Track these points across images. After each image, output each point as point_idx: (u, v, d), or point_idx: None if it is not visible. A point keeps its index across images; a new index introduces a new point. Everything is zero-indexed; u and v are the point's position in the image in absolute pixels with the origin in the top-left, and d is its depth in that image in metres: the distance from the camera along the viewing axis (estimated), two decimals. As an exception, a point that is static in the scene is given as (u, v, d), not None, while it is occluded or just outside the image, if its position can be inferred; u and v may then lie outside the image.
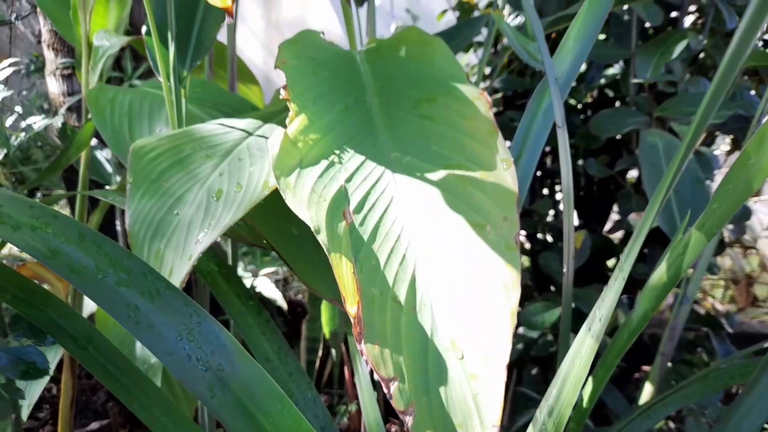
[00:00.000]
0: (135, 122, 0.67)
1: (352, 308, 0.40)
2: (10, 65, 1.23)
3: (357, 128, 0.51)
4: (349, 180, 0.47)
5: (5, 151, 1.05)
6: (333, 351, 1.27)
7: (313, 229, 0.43)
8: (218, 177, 0.50)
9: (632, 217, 1.02)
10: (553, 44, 0.81)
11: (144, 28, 0.60)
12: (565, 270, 0.57)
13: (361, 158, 0.49)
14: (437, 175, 0.47)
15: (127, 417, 1.16)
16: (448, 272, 0.43)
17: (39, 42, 3.68)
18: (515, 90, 1.27)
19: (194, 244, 0.46)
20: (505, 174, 0.46)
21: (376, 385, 0.84)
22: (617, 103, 1.21)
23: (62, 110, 1.13)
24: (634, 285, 1.07)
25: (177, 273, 0.45)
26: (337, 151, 0.49)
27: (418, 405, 0.38)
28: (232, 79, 0.87)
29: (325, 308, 1.20)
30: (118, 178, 1.03)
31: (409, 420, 0.38)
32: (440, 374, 0.39)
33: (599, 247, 1.09)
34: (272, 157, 0.47)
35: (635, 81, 0.93)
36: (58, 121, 1.10)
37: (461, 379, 0.39)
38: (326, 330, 1.21)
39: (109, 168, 1.06)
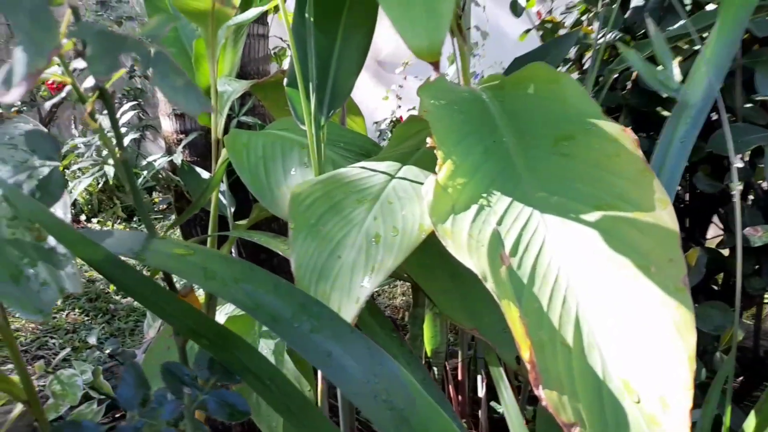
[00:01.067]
0: (270, 163, 0.71)
1: (525, 354, 0.41)
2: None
3: (499, 169, 0.53)
4: (499, 222, 0.49)
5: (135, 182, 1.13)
6: (435, 369, 1.29)
7: (480, 277, 0.44)
8: (373, 221, 0.53)
9: (749, 231, 0.99)
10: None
11: (285, 80, 0.64)
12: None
13: (507, 200, 0.50)
14: (588, 215, 0.48)
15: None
16: (612, 313, 0.44)
17: (131, 77, 3.87)
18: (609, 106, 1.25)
19: (359, 287, 0.48)
20: (662, 214, 0.46)
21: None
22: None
23: (180, 148, 1.21)
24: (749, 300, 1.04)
25: (345, 314, 0.48)
26: (485, 195, 0.51)
27: (601, 449, 0.39)
28: (343, 113, 0.91)
29: (426, 326, 1.22)
30: (232, 209, 1.09)
31: (594, 464, 0.39)
32: (618, 418, 0.40)
33: (710, 261, 1.07)
34: (427, 204, 0.49)
35: (759, 97, 0.90)
36: (177, 159, 1.18)
37: (640, 423, 0.40)
38: (428, 348, 1.23)
39: (224, 200, 1.12)
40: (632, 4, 1.25)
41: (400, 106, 3.00)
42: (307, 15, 0.60)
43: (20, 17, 0.26)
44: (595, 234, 0.47)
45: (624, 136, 0.51)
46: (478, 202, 0.50)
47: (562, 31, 1.49)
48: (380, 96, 2.97)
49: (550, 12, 1.53)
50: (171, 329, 1.07)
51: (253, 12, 0.79)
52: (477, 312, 0.64)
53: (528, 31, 1.53)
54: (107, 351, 1.88)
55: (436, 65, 0.34)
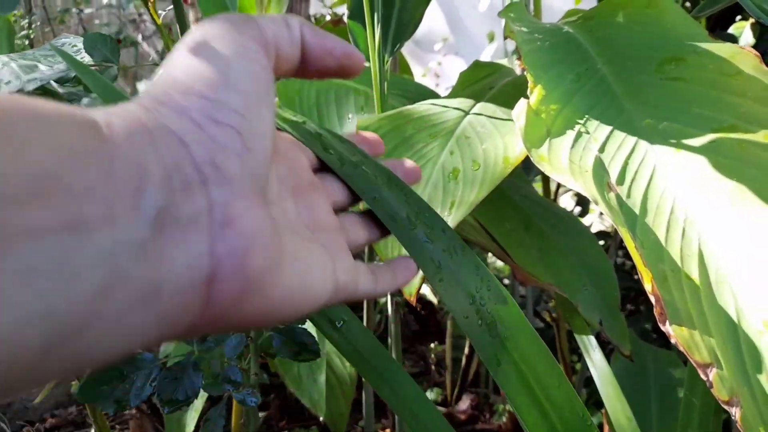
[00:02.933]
0: (324, 109, 0.66)
1: (647, 285, 0.35)
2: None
3: (596, 97, 0.47)
4: (601, 150, 0.43)
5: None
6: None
7: (591, 199, 0.39)
8: (449, 156, 0.47)
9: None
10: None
11: (347, 13, 0.59)
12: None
13: (608, 128, 0.45)
14: (706, 138, 0.42)
15: (285, 411, 1.17)
16: (740, 246, 0.38)
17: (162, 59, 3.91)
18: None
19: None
20: (797, 133, 0.40)
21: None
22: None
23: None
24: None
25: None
26: (581, 121, 0.45)
27: (742, 394, 0.33)
28: (394, 67, 0.86)
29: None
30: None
31: (736, 412, 0.33)
32: (757, 360, 0.34)
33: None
34: (520, 129, 0.44)
35: None
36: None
37: (784, 366, 0.34)
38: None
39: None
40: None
41: (438, 85, 2.93)
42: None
43: None
44: (717, 160, 0.41)
45: (743, 53, 0.45)
46: (575, 129, 0.44)
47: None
48: (418, 74, 2.90)
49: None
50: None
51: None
52: (556, 266, 0.59)
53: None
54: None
55: None
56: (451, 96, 0.65)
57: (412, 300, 0.47)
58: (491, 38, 2.17)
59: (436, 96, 0.72)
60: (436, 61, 2.64)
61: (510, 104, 0.55)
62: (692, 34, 0.50)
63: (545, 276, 0.58)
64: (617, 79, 0.48)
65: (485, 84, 0.62)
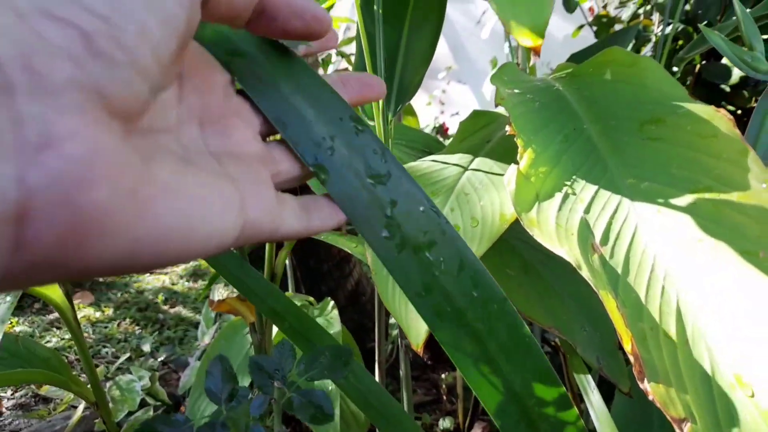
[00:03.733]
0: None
1: (627, 345, 0.39)
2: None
3: (582, 157, 0.50)
4: (587, 211, 0.47)
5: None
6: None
7: (574, 265, 0.42)
8: (450, 213, 0.51)
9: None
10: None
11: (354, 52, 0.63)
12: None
13: (594, 187, 0.48)
14: (684, 199, 0.45)
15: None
16: (717, 303, 0.41)
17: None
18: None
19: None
20: (767, 195, 0.43)
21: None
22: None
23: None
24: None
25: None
26: (569, 182, 0.48)
27: (715, 447, 0.36)
28: (399, 116, 0.90)
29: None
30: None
31: (709, 463, 0.36)
32: (731, 413, 0.37)
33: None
34: (510, 193, 0.47)
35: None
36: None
37: (755, 418, 0.37)
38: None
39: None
40: (694, -6, 1.21)
41: (443, 112, 2.98)
42: (375, 7, 0.59)
43: None
44: (694, 220, 0.44)
45: (718, 116, 0.48)
46: (562, 190, 0.48)
47: (617, 26, 1.45)
48: (423, 102, 2.95)
49: (604, 6, 1.49)
50: (226, 335, 1.07)
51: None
52: (555, 310, 0.62)
53: (581, 27, 1.49)
54: (160, 359, 1.91)
55: (537, 50, 0.32)
56: (451, 146, 0.68)
57: (420, 351, 0.51)
58: (494, 65, 2.21)
59: (439, 144, 0.76)
60: (440, 89, 2.69)
61: (506, 156, 0.59)
62: (673, 94, 0.53)
63: (545, 320, 0.61)
64: (603, 138, 0.52)
65: (483, 135, 0.66)
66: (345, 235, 0.67)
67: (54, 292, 0.79)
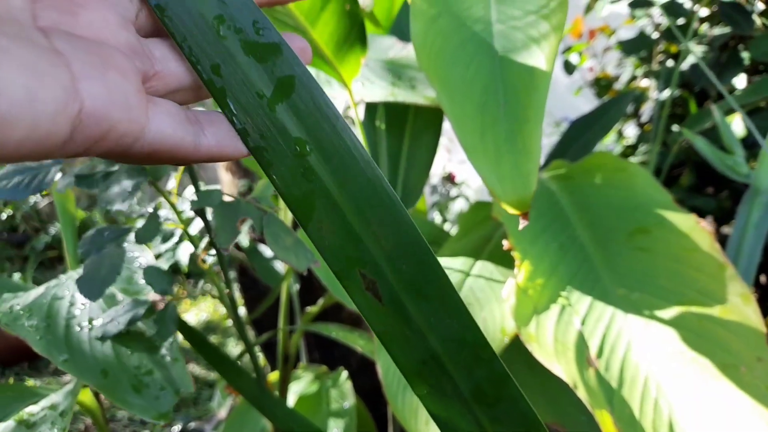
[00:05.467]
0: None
1: (622, 463, 0.42)
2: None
3: (576, 267, 0.54)
4: (583, 323, 0.50)
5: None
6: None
7: (571, 386, 0.45)
8: (454, 325, 0.55)
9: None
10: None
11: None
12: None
13: (588, 298, 0.52)
14: (671, 312, 0.49)
15: None
16: (705, 417, 0.44)
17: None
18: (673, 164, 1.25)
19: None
20: (746, 310, 0.47)
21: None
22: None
23: (246, 227, 1.26)
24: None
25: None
26: (565, 293, 0.52)
27: None
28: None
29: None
30: (297, 286, 1.12)
31: None
32: None
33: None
34: (510, 308, 0.51)
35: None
36: (244, 240, 1.24)
37: None
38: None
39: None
40: (688, 62, 1.25)
41: (450, 159, 3.03)
42: (377, 122, 0.64)
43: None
44: (680, 332, 0.48)
45: (699, 229, 0.52)
46: (558, 302, 0.51)
47: (616, 85, 1.50)
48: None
49: (602, 69, 1.55)
50: (243, 408, 1.10)
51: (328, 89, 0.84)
52: (556, 401, 0.65)
53: (581, 88, 1.55)
54: (177, 427, 1.93)
55: (525, 215, 0.36)
56: (453, 242, 0.72)
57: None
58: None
59: (443, 233, 0.80)
60: (446, 136, 2.75)
61: (506, 259, 0.62)
62: (658, 200, 0.57)
63: (547, 416, 0.64)
64: (595, 246, 0.56)
65: (484, 233, 0.70)
66: (353, 330, 0.70)
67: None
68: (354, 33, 0.47)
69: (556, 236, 0.57)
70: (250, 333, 1.28)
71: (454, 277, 0.60)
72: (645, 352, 0.48)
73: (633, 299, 0.51)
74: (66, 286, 0.47)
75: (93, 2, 0.22)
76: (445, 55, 0.38)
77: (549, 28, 0.37)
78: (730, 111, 1.01)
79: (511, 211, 0.36)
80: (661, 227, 0.54)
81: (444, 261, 0.63)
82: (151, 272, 0.44)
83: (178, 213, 0.42)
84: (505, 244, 0.54)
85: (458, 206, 2.42)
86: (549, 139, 1.77)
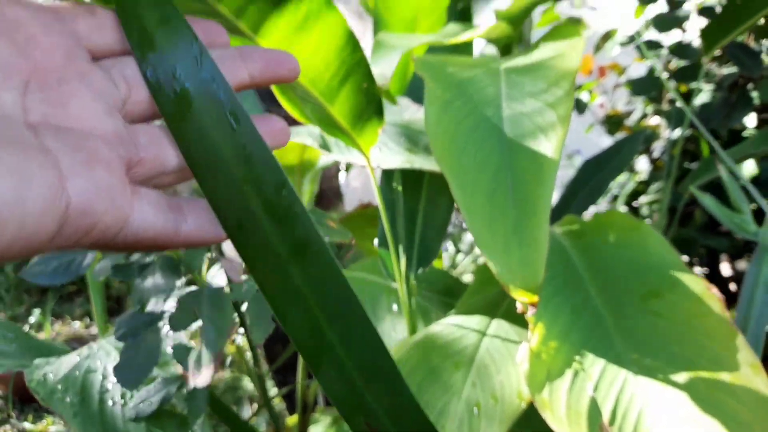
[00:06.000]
0: (361, 310, 0.76)
1: None
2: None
3: (590, 331, 0.55)
4: (596, 388, 0.51)
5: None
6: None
7: (584, 456, 0.47)
8: (471, 388, 0.56)
9: None
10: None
11: (376, 240, 0.70)
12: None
13: (601, 362, 0.53)
14: (683, 378, 0.50)
15: None
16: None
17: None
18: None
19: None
20: (756, 380, 0.48)
21: None
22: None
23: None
24: None
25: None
26: (578, 357, 0.54)
27: None
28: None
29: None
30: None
31: None
32: None
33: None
34: (524, 373, 0.53)
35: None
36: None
37: None
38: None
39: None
40: (698, 101, 1.27)
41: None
42: (394, 184, 0.66)
43: (203, 307, 0.32)
44: (693, 401, 0.49)
45: (709, 294, 0.53)
46: (572, 367, 0.53)
47: (627, 121, 1.51)
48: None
49: (613, 105, 1.57)
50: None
51: (332, 157, 0.86)
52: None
53: (592, 125, 1.56)
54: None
55: (533, 304, 0.38)
56: (471, 294, 0.74)
57: None
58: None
59: (458, 284, 0.82)
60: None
61: (522, 317, 0.64)
62: (669, 261, 0.59)
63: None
64: (608, 309, 0.57)
65: (500, 288, 0.72)
66: None
67: None
68: (371, 108, 0.50)
69: (570, 299, 0.58)
70: (269, 382, 1.29)
71: (470, 338, 0.62)
72: (657, 420, 0.49)
73: (645, 365, 0.52)
74: (98, 356, 0.49)
75: (82, 91, 0.23)
76: (458, 141, 0.40)
77: (556, 118, 0.40)
78: (742, 155, 1.02)
79: (521, 298, 0.38)
80: (673, 291, 0.56)
81: (460, 320, 0.65)
82: (180, 350, 0.46)
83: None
84: (519, 306, 0.56)
85: (470, 237, 2.43)
86: (564, 171, 1.79)
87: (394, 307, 0.74)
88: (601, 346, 0.54)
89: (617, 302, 0.57)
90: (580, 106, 1.50)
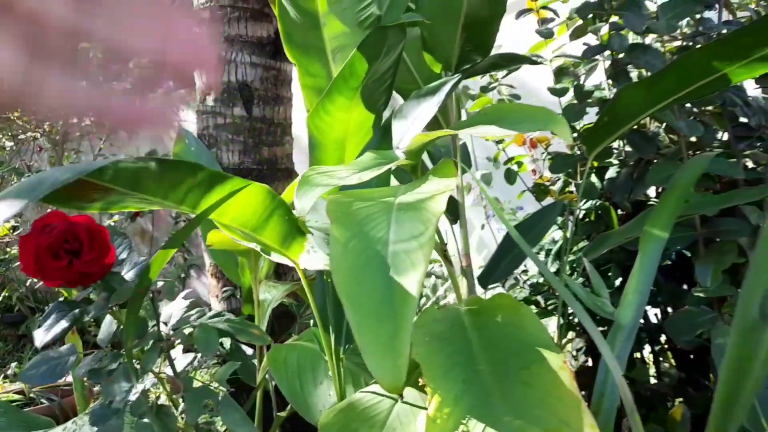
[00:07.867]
0: (303, 377, 0.90)
1: None
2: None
3: (477, 398, 0.70)
4: (477, 446, 0.65)
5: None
6: None
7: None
8: (383, 450, 0.70)
9: None
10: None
11: (312, 322, 0.84)
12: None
13: (482, 425, 0.67)
14: (541, 436, 0.64)
15: None
16: None
17: (176, 222, 4.21)
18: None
19: None
20: (593, 438, 0.62)
21: None
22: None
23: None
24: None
25: None
26: (465, 421, 0.68)
27: None
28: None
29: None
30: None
31: None
32: None
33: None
34: (422, 436, 0.66)
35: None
36: (226, 344, 1.39)
37: None
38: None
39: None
40: (607, 175, 1.45)
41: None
42: (325, 276, 0.80)
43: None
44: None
45: (563, 368, 0.68)
46: (459, 429, 0.67)
47: (553, 187, 1.69)
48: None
49: (540, 175, 1.75)
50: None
51: (273, 259, 1.01)
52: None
53: (523, 192, 1.74)
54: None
55: (401, 396, 0.52)
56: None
57: None
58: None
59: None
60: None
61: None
62: (540, 339, 0.74)
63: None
64: (494, 379, 0.71)
65: (412, 361, 0.86)
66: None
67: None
68: (294, 231, 0.64)
69: (464, 370, 0.73)
70: None
71: (385, 404, 0.76)
72: (522, 470, 0.63)
73: (515, 426, 0.66)
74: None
75: None
76: (353, 274, 0.54)
77: (422, 256, 0.55)
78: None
79: (390, 393, 0.52)
80: (540, 365, 0.70)
81: (377, 387, 0.79)
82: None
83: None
84: (421, 381, 0.70)
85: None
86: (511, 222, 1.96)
87: (329, 373, 0.88)
88: (485, 411, 0.68)
89: (501, 373, 0.72)
90: (511, 177, 1.68)
